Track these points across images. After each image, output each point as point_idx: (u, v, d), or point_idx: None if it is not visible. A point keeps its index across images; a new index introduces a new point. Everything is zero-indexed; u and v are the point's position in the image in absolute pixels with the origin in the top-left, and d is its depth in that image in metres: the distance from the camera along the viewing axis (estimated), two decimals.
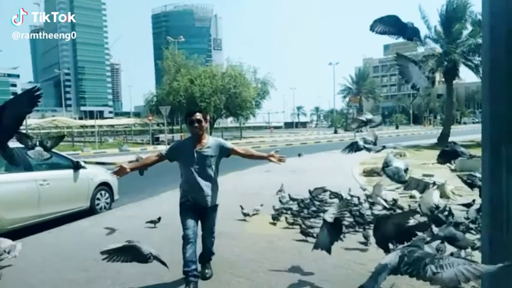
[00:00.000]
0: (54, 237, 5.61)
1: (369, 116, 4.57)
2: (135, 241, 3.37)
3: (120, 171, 3.53)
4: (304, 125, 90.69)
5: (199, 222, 3.72)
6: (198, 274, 3.53)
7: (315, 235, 5.07)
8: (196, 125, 3.61)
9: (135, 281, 3.89)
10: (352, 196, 6.74)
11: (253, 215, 6.39)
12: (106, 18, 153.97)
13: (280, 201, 6.72)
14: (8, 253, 4.44)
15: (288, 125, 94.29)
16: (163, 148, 21.67)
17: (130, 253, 3.32)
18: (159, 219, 5.86)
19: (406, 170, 3.82)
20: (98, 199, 7.38)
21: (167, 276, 3.92)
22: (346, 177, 9.83)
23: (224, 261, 4.28)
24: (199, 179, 3.57)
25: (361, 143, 4.14)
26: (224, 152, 3.72)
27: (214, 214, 3.79)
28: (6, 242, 4.48)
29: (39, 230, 5.86)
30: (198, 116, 3.64)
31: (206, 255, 3.90)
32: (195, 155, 3.59)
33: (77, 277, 4.07)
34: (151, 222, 5.88)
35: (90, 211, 7.14)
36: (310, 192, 6.91)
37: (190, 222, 3.54)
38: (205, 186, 3.60)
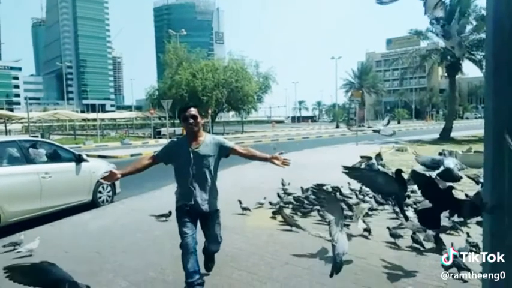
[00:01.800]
0: (56, 230, 5.64)
1: (380, 127, 4.59)
2: (50, 263, 2.58)
3: (109, 177, 3.22)
4: (310, 119, 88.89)
5: (198, 226, 3.44)
6: (202, 281, 3.28)
7: (301, 226, 5.20)
8: (191, 121, 3.26)
9: (137, 274, 3.91)
10: (352, 190, 6.75)
11: (257, 208, 6.41)
12: (108, 11, 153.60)
13: (279, 196, 6.72)
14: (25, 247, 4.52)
15: (295, 119, 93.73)
16: (164, 142, 21.69)
17: (39, 276, 2.48)
18: (170, 213, 5.81)
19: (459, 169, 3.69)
20: (100, 192, 7.41)
21: (169, 269, 3.95)
22: None
23: (225, 254, 4.30)
24: (196, 182, 3.26)
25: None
26: (223, 151, 3.40)
27: (216, 220, 3.47)
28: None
29: (41, 222, 5.89)
30: (193, 111, 3.28)
31: (210, 254, 3.72)
32: (191, 154, 3.24)
33: (79, 269, 4.08)
34: (162, 216, 5.88)
35: (92, 204, 7.16)
36: (302, 189, 6.91)
37: (189, 230, 3.25)
38: (203, 189, 3.28)
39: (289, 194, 6.75)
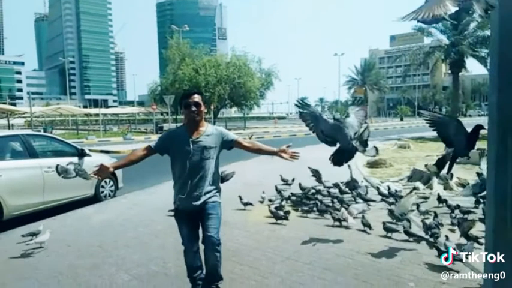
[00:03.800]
0: (59, 224, 5.66)
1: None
2: None
3: (100, 171, 2.94)
4: None
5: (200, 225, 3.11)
6: (204, 276, 3.13)
7: (288, 218, 5.40)
8: (194, 109, 2.97)
9: (140, 268, 3.93)
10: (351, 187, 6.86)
11: (260, 202, 6.42)
12: (110, 7, 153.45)
13: (280, 192, 6.72)
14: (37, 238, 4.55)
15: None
16: None
17: None
18: None
19: None
20: (103, 187, 7.42)
21: (171, 263, 3.97)
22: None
23: (227, 249, 4.30)
24: (194, 174, 2.97)
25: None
26: (226, 143, 3.11)
27: (215, 217, 3.00)
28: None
29: (44, 216, 5.91)
30: (197, 98, 3.00)
31: (210, 279, 3.08)
32: (191, 145, 2.96)
33: (81, 263, 4.12)
34: (173, 211, 5.89)
35: (95, 199, 7.18)
36: (300, 186, 6.92)
37: (188, 231, 3.07)
38: (201, 183, 2.99)
39: (281, 191, 6.76)
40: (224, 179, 6.12)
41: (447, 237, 4.03)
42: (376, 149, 5.12)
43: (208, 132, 3.05)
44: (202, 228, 3.03)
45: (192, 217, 3.05)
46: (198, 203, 2.99)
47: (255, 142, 3.31)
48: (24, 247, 4.43)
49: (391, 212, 5.02)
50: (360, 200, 6.14)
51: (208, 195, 3.03)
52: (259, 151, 3.29)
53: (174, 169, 3.10)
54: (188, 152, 2.96)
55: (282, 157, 3.10)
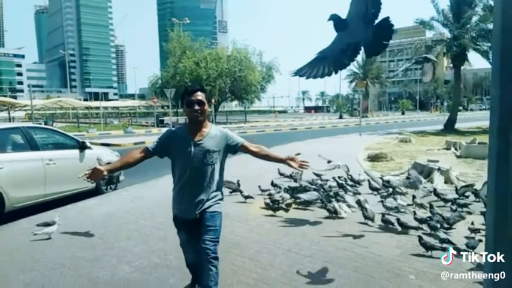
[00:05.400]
0: (60, 216, 5.67)
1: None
2: None
3: (93, 175, 2.73)
4: (320, 109, 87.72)
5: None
6: None
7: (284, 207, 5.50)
8: (197, 107, 2.69)
9: (141, 259, 3.96)
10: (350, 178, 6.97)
11: (262, 194, 6.44)
12: None
13: (278, 186, 6.73)
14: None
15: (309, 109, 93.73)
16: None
17: None
18: None
19: None
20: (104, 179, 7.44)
21: (173, 255, 3.99)
22: (350, 162, 9.77)
23: (228, 241, 4.33)
24: (193, 181, 2.75)
25: None
26: (231, 147, 2.85)
27: (213, 230, 2.77)
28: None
29: (45, 209, 5.93)
30: (200, 96, 2.71)
31: None
32: (192, 148, 2.71)
33: (83, 254, 4.15)
34: None
35: (96, 191, 7.20)
36: (296, 180, 6.97)
37: (185, 239, 2.98)
38: (201, 190, 2.77)
39: (275, 186, 6.77)
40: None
41: (435, 228, 4.10)
42: (347, 167, 6.07)
43: (212, 134, 2.78)
44: (199, 239, 2.77)
45: (190, 226, 2.85)
46: (196, 212, 2.77)
47: (263, 147, 3.03)
48: (31, 237, 4.46)
49: (383, 205, 5.14)
50: (349, 193, 6.26)
51: (208, 204, 2.79)
52: (267, 157, 2.97)
53: (174, 173, 2.91)
54: (189, 155, 2.72)
55: (290, 165, 2.85)
